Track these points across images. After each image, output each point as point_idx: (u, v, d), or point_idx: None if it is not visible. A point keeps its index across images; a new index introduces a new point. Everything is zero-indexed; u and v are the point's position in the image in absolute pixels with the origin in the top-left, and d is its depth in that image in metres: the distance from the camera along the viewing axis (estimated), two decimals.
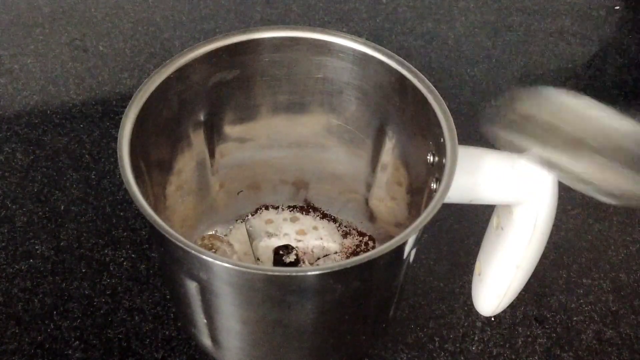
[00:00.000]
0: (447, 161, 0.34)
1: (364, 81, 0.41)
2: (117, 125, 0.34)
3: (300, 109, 0.44)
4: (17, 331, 0.46)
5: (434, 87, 0.37)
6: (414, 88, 0.38)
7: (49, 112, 0.59)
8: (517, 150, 0.34)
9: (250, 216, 0.49)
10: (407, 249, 0.34)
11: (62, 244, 0.50)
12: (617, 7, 0.73)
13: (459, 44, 0.68)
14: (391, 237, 0.32)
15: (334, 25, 0.68)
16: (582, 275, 0.51)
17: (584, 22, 0.71)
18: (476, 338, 0.47)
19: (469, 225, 0.53)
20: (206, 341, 0.40)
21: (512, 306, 0.44)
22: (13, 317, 0.46)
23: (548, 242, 0.39)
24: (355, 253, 0.48)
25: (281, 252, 0.45)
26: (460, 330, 0.47)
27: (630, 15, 0.73)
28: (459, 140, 0.35)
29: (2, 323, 0.46)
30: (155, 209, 0.33)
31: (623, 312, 0.49)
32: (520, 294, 0.41)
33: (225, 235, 0.48)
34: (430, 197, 0.35)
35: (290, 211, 0.50)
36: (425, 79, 0.37)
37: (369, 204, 0.47)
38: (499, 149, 0.37)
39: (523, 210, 0.37)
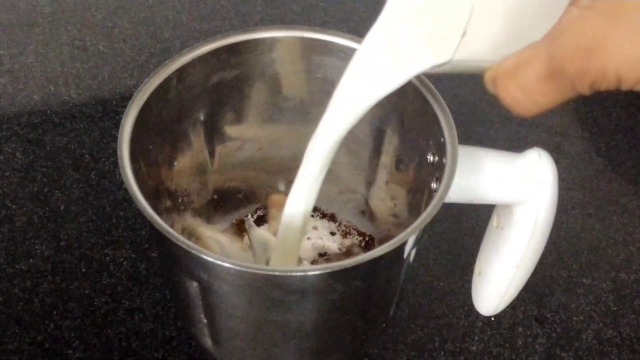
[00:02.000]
0: (447, 161, 0.34)
1: None
2: (117, 125, 0.34)
3: (300, 108, 0.44)
4: (17, 331, 0.46)
5: (434, 87, 0.37)
6: (414, 88, 0.38)
7: (49, 112, 0.59)
8: None
9: (250, 216, 0.49)
10: (407, 249, 0.34)
11: (62, 244, 0.50)
12: None
13: None
14: (391, 237, 0.32)
15: (334, 25, 0.68)
16: (582, 275, 0.51)
17: None
18: (476, 338, 0.47)
19: (469, 225, 0.53)
20: (206, 341, 0.40)
21: (512, 306, 0.44)
22: (13, 317, 0.46)
23: (548, 242, 0.39)
24: (355, 253, 0.48)
25: None
26: (460, 330, 0.47)
27: None
28: (459, 140, 0.35)
29: (2, 323, 0.46)
30: (155, 209, 0.33)
31: (623, 312, 0.49)
32: (520, 294, 0.41)
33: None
34: (430, 197, 0.35)
35: None
36: (425, 79, 0.37)
37: (369, 203, 0.47)
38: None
39: (523, 210, 0.37)
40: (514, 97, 0.27)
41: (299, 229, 0.39)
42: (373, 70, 0.31)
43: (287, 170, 0.48)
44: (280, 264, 0.41)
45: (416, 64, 0.29)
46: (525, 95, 0.27)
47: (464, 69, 0.29)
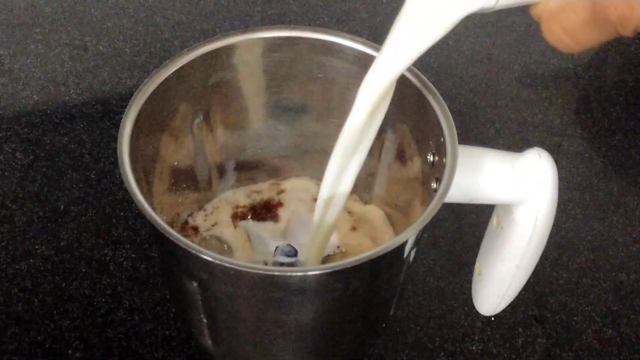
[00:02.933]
0: (447, 161, 0.34)
1: None
2: (117, 125, 0.34)
3: (301, 109, 0.44)
4: (17, 331, 0.46)
5: (434, 87, 0.37)
6: (414, 88, 0.38)
7: (49, 112, 0.59)
8: None
9: (250, 217, 0.49)
10: (407, 249, 0.34)
11: (62, 244, 0.50)
12: None
13: (459, 43, 0.68)
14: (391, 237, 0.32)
15: (334, 25, 0.68)
16: (582, 275, 0.51)
17: None
18: (476, 338, 0.47)
19: (469, 225, 0.53)
20: (206, 341, 0.40)
21: (512, 306, 0.44)
22: (13, 317, 0.46)
23: (548, 242, 0.39)
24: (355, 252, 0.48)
25: (281, 252, 0.45)
26: (460, 330, 0.47)
27: None
28: (459, 140, 0.35)
29: (2, 323, 0.46)
30: (155, 209, 0.33)
31: (623, 312, 0.49)
32: (520, 294, 0.41)
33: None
34: (430, 197, 0.35)
35: None
36: (425, 79, 0.37)
37: (369, 203, 0.47)
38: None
39: (523, 210, 0.37)
40: (557, 37, 0.28)
41: (335, 213, 0.38)
42: (423, 16, 0.32)
43: (288, 170, 0.48)
44: (313, 258, 0.41)
45: (464, 7, 0.30)
46: (568, 36, 0.28)
47: (509, 6, 0.31)
